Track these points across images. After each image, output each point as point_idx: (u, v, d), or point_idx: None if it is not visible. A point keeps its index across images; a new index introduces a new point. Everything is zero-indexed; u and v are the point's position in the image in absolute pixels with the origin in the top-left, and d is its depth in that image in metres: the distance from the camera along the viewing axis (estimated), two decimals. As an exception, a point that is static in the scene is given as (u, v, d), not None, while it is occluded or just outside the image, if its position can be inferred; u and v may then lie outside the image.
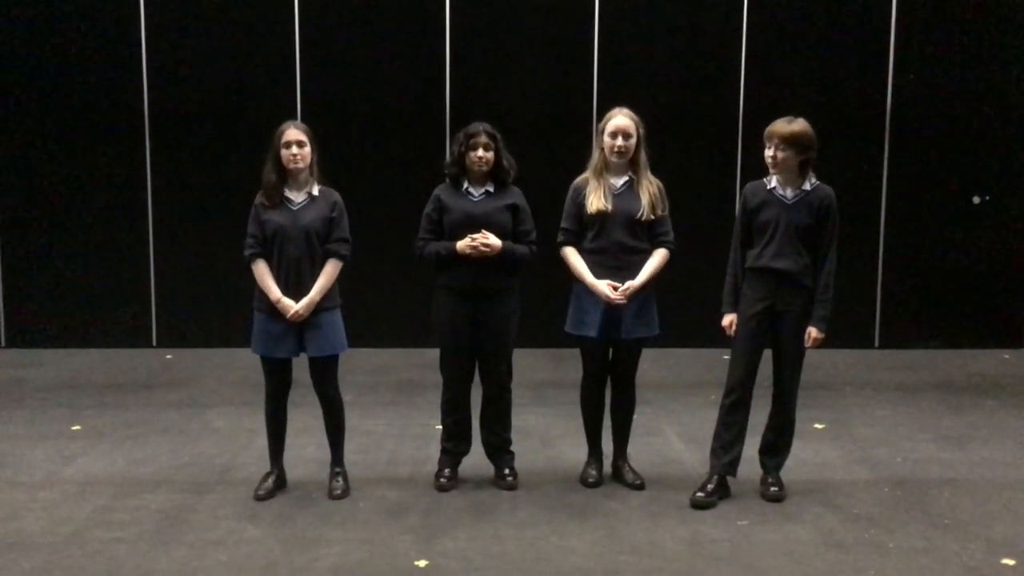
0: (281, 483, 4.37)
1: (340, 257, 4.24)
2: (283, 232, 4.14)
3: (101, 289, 7.34)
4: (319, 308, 4.18)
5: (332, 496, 4.27)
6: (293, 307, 4.12)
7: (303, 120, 7.10)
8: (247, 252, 4.21)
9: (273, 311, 4.16)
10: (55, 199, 7.27)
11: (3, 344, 7.40)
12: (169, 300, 7.39)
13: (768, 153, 4.15)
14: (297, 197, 4.20)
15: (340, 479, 4.35)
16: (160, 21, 7.16)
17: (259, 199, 4.21)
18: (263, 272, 4.18)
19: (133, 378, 6.53)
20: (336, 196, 4.29)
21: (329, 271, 4.20)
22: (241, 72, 7.24)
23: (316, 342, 4.20)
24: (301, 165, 4.15)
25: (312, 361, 4.27)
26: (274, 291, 4.14)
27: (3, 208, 7.29)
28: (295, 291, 4.16)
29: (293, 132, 4.14)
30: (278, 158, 4.15)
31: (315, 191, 4.23)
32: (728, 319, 4.30)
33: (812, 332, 4.21)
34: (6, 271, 7.36)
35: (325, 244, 4.21)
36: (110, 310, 7.36)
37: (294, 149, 4.12)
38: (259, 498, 4.24)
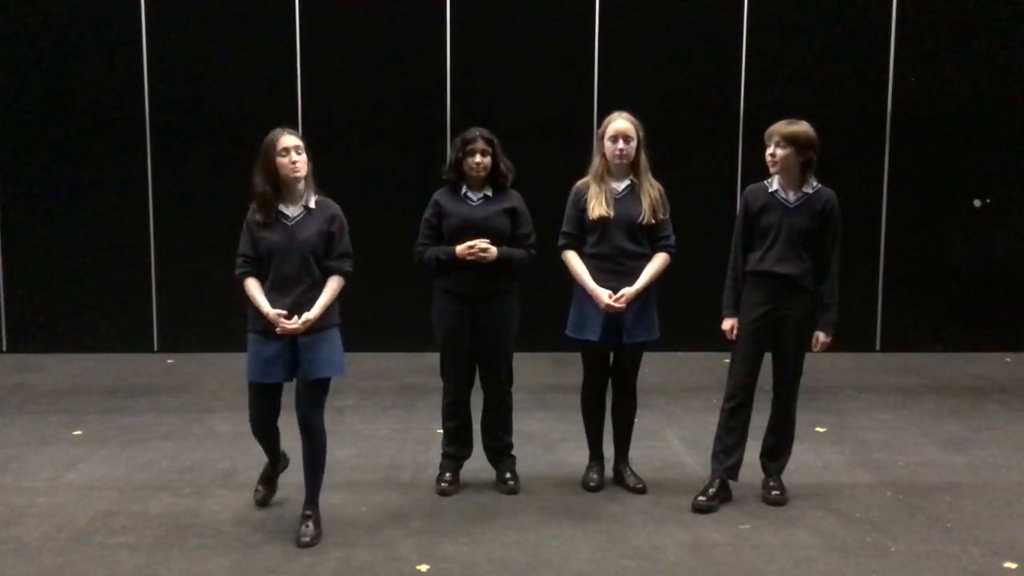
0: (272, 487, 4.25)
1: (343, 274, 3.90)
2: (278, 251, 3.79)
3: (102, 294, 7.35)
4: (316, 326, 3.81)
5: (300, 544, 3.79)
6: (285, 320, 3.75)
7: (304, 124, 7.16)
8: (237, 272, 3.88)
9: (267, 332, 3.80)
10: (57, 204, 7.28)
11: (4, 349, 7.41)
12: (170, 305, 7.39)
13: (768, 151, 4.15)
14: (293, 211, 3.83)
15: (311, 524, 3.87)
16: (161, 26, 7.17)
17: (252, 215, 3.85)
18: (253, 289, 3.83)
19: (134, 383, 6.53)
20: (335, 208, 3.91)
21: (332, 288, 3.86)
22: (242, 77, 7.24)
23: (311, 363, 3.81)
24: (301, 173, 3.78)
25: (301, 385, 3.86)
26: (265, 305, 3.78)
27: (5, 213, 7.30)
28: (291, 313, 3.78)
29: (289, 138, 3.76)
30: (271, 169, 3.77)
31: (312, 203, 3.85)
32: (729, 323, 4.30)
33: (820, 337, 4.22)
34: (8, 276, 7.36)
35: (324, 261, 3.86)
36: (111, 315, 7.36)
37: (293, 156, 3.74)
38: (259, 503, 4.19)
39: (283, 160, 3.75)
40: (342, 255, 3.90)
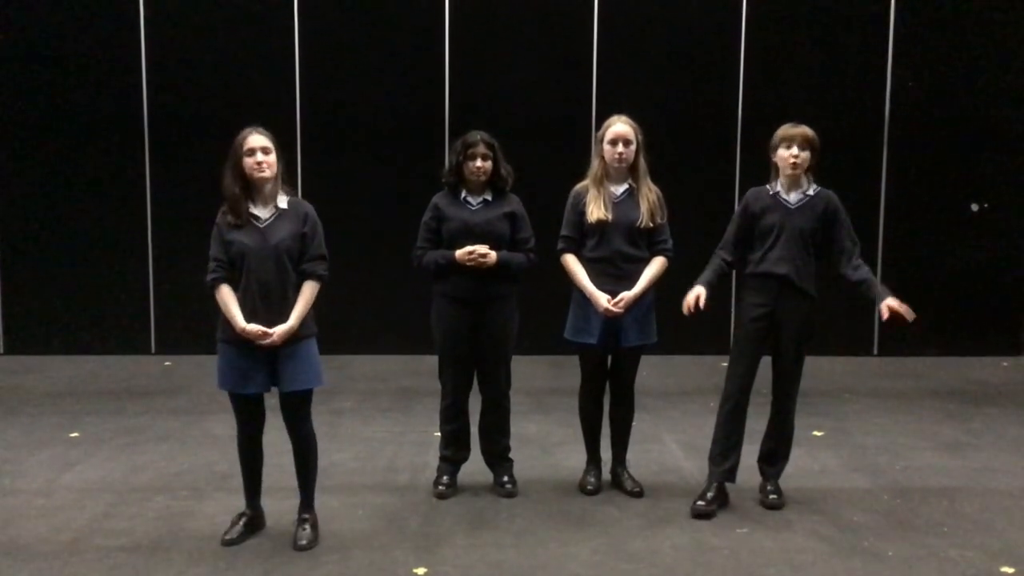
0: (257, 525, 4.00)
1: (319, 278, 3.79)
2: (251, 253, 3.67)
3: (100, 296, 7.34)
4: (294, 336, 3.72)
5: (297, 547, 3.81)
6: (264, 330, 3.65)
7: (304, 125, 7.16)
8: (209, 277, 3.74)
9: (241, 343, 3.70)
10: (54, 206, 7.28)
11: (2, 351, 7.40)
12: (168, 307, 7.39)
13: (792, 153, 4.09)
14: (264, 212, 3.73)
15: (308, 527, 3.89)
16: (160, 25, 7.17)
17: (222, 217, 3.74)
18: (227, 298, 3.70)
19: (132, 385, 6.52)
20: (307, 207, 3.82)
21: (307, 294, 3.75)
22: (241, 78, 7.24)
23: (290, 375, 3.75)
24: (267, 174, 3.69)
25: (284, 396, 3.82)
26: (239, 319, 3.66)
27: (2, 215, 7.29)
28: (265, 320, 3.68)
29: (256, 138, 3.70)
30: (240, 168, 3.70)
31: (283, 204, 3.76)
32: (694, 294, 4.20)
33: (892, 304, 4.11)
34: (5, 278, 7.36)
35: (299, 264, 3.76)
36: (109, 317, 7.36)
37: (259, 156, 3.66)
38: (226, 543, 3.85)
39: (249, 160, 3.69)
40: (316, 257, 3.79)
